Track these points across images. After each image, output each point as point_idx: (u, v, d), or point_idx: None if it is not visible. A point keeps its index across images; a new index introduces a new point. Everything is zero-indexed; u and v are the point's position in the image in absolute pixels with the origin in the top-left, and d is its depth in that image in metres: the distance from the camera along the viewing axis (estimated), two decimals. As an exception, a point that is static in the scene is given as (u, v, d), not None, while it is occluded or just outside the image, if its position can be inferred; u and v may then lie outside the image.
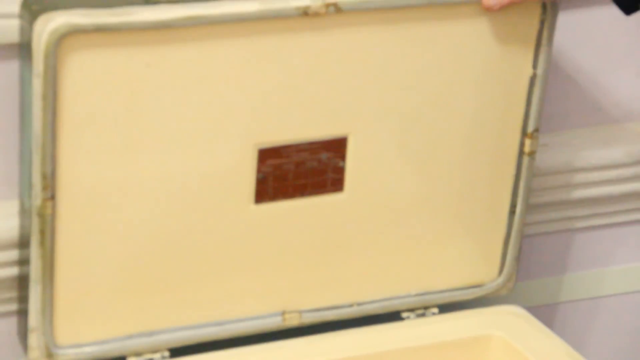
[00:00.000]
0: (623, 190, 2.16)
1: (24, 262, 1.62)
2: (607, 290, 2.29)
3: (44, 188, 1.48)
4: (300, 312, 1.76)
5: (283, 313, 1.76)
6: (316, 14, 1.55)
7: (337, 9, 1.56)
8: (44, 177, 1.49)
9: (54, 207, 1.51)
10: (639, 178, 2.18)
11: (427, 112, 1.76)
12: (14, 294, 1.70)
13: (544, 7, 1.75)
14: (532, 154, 1.84)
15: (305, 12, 1.54)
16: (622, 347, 2.41)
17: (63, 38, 1.42)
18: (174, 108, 1.57)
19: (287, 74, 1.63)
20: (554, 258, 2.24)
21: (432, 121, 1.78)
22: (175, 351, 1.71)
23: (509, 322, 1.92)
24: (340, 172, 1.71)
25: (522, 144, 1.83)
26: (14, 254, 1.65)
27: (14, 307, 1.71)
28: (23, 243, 1.62)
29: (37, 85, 1.43)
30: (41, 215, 1.51)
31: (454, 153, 1.82)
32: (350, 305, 1.82)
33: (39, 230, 1.53)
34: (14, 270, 1.66)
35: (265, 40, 1.58)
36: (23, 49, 1.53)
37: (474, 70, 1.76)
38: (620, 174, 2.13)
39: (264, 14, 1.52)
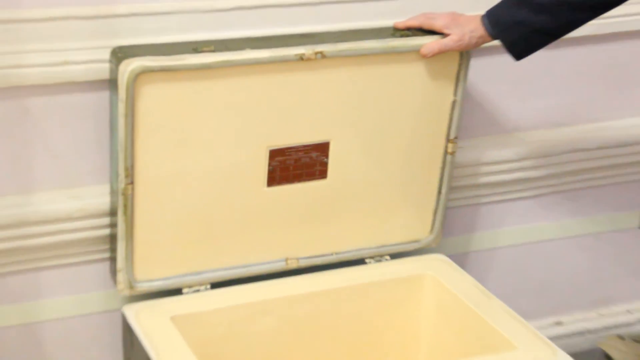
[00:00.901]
0: (512, 178, 2.39)
1: (113, 225, 1.84)
2: (502, 243, 2.50)
3: (126, 176, 1.72)
4: (298, 258, 1.99)
5: (286, 259, 1.98)
6: (308, 59, 1.77)
7: (323, 56, 1.78)
8: (126, 169, 1.72)
9: (132, 189, 1.75)
10: (523, 170, 2.41)
11: (383, 125, 1.98)
12: (107, 246, 1.92)
13: (461, 54, 1.96)
14: (452, 153, 2.07)
15: (301, 58, 1.76)
16: (513, 281, 2.58)
17: (138, 75, 1.64)
18: (213, 121, 1.80)
19: (289, 99, 1.85)
20: (466, 222, 2.43)
21: (386, 131, 1.99)
22: (214, 285, 1.95)
23: (437, 266, 2.14)
24: (324, 165, 1.94)
25: (446, 147, 2.05)
26: (106, 220, 1.87)
27: (107, 255, 1.93)
28: (112, 213, 1.84)
29: (120, 107, 1.66)
30: (124, 195, 1.74)
31: (400, 152, 2.05)
32: (331, 254, 2.03)
33: (122, 204, 1.76)
34: (107, 231, 1.89)
35: (274, 76, 1.81)
36: (112, 82, 1.73)
37: (414, 96, 1.97)
38: (511, 167, 2.37)
39: (273, 59, 1.75)
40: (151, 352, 1.74)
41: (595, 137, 2.48)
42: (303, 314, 2.07)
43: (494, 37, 1.86)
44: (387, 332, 2.22)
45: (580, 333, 2.71)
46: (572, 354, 1.90)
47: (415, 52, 1.92)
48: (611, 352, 2.60)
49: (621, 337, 2.64)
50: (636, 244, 2.73)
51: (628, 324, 2.74)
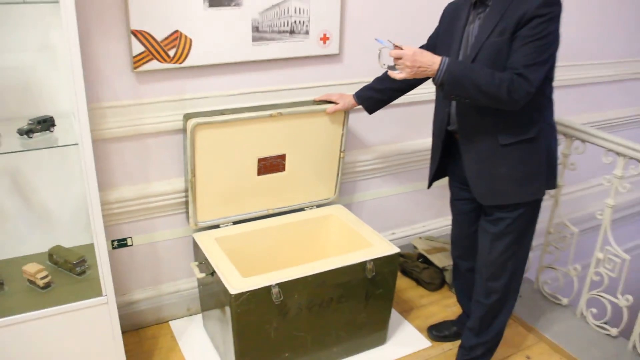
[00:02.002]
0: (370, 168, 2.80)
1: (187, 196, 2.27)
2: (367, 198, 2.86)
3: (191, 173, 2.18)
4: (273, 209, 2.46)
5: (267, 209, 2.46)
6: (275, 116, 2.27)
7: (281, 114, 2.27)
8: (191, 168, 2.18)
9: (194, 179, 2.21)
10: (374, 164, 2.78)
11: (310, 146, 2.41)
12: (184, 207, 2.35)
13: (345, 112, 2.42)
14: (343, 157, 2.51)
15: (271, 115, 2.25)
16: (372, 215, 2.92)
17: (195, 127, 2.12)
18: (230, 146, 2.24)
19: (266, 134, 2.30)
20: (351, 189, 2.82)
21: (312, 148, 2.42)
22: (235, 223, 2.37)
23: (337, 209, 2.57)
24: (284, 165, 2.40)
25: (340, 154, 2.50)
26: (184, 194, 2.32)
27: (185, 210, 2.36)
28: (186, 190, 2.28)
29: (187, 141, 2.14)
30: (191, 182, 2.20)
31: (319, 157, 2.47)
32: (288, 206, 2.50)
33: (190, 186, 2.22)
34: (184, 199, 2.34)
35: (259, 124, 2.26)
36: (184, 130, 2.19)
37: (324, 131, 2.42)
38: (369, 163, 2.78)
39: (258, 116, 2.23)
40: (207, 255, 2.15)
41: (402, 148, 2.85)
42: (276, 235, 2.44)
43: (359, 104, 2.33)
44: (314, 242, 2.54)
45: (402, 238, 3.08)
46: (399, 247, 2.33)
47: (324, 111, 2.38)
48: (416, 244, 2.97)
49: (420, 237, 3.06)
50: (425, 195, 3.03)
51: (424, 232, 3.13)
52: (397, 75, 1.82)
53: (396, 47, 1.79)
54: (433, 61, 1.78)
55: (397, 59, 1.80)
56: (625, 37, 3.43)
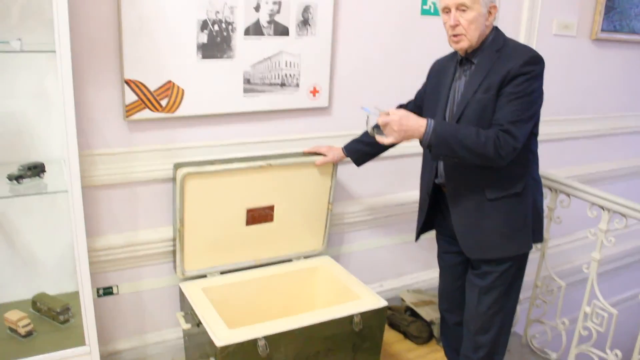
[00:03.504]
0: (357, 220, 2.78)
1: (174, 245, 2.26)
2: (355, 249, 2.85)
3: (180, 222, 2.17)
4: (261, 259, 2.44)
5: (255, 260, 2.44)
6: (266, 166, 2.28)
7: (271, 165, 2.28)
8: (180, 217, 2.17)
9: (183, 228, 2.20)
10: (362, 216, 2.79)
11: (299, 196, 2.41)
12: (172, 256, 2.33)
13: (334, 164, 2.42)
14: (330, 209, 2.51)
15: (261, 166, 2.26)
16: (360, 267, 2.87)
17: (185, 176, 2.12)
18: (220, 195, 2.23)
19: (255, 185, 2.30)
20: (338, 240, 2.81)
21: (300, 199, 2.42)
22: (222, 272, 2.33)
23: (325, 261, 2.55)
24: (272, 216, 2.40)
25: (328, 205, 2.51)
26: (171, 243, 2.31)
27: (172, 259, 2.34)
28: (174, 239, 2.26)
29: (177, 189, 2.13)
30: (179, 231, 2.20)
31: (307, 208, 2.47)
32: (276, 257, 2.47)
33: (178, 235, 2.21)
34: (171, 248, 2.32)
35: (248, 175, 2.26)
36: (174, 179, 2.18)
37: (313, 183, 2.43)
38: (356, 215, 2.77)
39: (248, 166, 2.24)
40: (193, 305, 2.11)
41: (390, 200, 2.88)
42: (264, 286, 2.41)
43: (347, 156, 2.36)
44: (301, 294, 2.50)
45: (390, 290, 3.04)
46: (387, 299, 2.28)
47: (313, 163, 2.39)
48: (404, 296, 2.92)
49: (408, 290, 3.00)
50: (413, 247, 3.00)
51: (412, 285, 3.10)
52: (384, 140, 1.85)
53: (382, 114, 1.82)
54: (419, 124, 1.81)
55: (384, 124, 1.82)
56: (607, 94, 3.54)
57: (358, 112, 2.38)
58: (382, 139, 1.86)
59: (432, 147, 1.82)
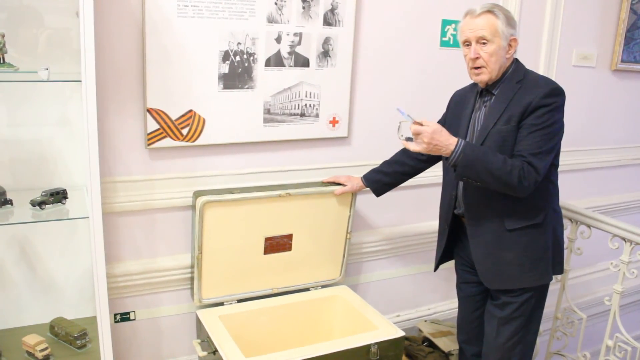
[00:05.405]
0: (376, 249, 2.76)
1: (192, 272, 2.27)
2: (373, 279, 2.82)
3: (199, 249, 2.18)
4: (278, 288, 2.42)
5: (272, 289, 2.42)
6: (285, 195, 2.27)
7: (289, 195, 2.28)
8: (199, 245, 2.18)
9: (201, 256, 2.21)
10: (380, 245, 2.76)
11: (317, 226, 2.40)
12: (189, 282, 2.32)
13: (353, 193, 2.39)
14: (349, 238, 2.47)
15: (280, 195, 2.26)
16: (378, 296, 2.83)
17: (204, 204, 2.13)
18: (238, 223, 2.23)
19: (274, 214, 2.30)
20: (357, 269, 2.77)
21: (319, 229, 2.41)
22: (239, 300, 2.32)
23: (343, 291, 2.53)
24: (290, 245, 2.39)
25: (347, 235, 2.46)
26: (189, 270, 2.31)
27: (189, 286, 2.33)
28: (192, 266, 2.26)
29: (196, 217, 2.13)
30: (197, 259, 2.20)
31: (326, 237, 2.45)
32: (293, 286, 2.45)
33: (197, 263, 2.21)
34: (189, 275, 2.31)
35: (267, 204, 2.27)
36: (193, 207, 2.19)
37: (332, 212, 2.40)
38: (375, 244, 2.74)
39: (267, 195, 2.24)
40: (210, 333, 2.11)
41: (408, 230, 2.84)
42: (281, 314, 2.38)
43: (367, 186, 2.35)
44: (318, 323, 2.48)
45: (407, 320, 2.97)
46: (404, 330, 2.24)
47: (332, 192, 2.39)
48: (421, 327, 2.84)
49: (425, 320, 2.92)
50: (431, 278, 2.91)
51: (429, 315, 3.02)
52: (412, 147, 1.84)
53: (416, 122, 1.81)
54: (450, 142, 1.80)
55: (416, 134, 1.81)
56: (627, 124, 3.51)
57: (377, 143, 2.50)
58: (409, 145, 1.84)
59: (458, 167, 1.81)
